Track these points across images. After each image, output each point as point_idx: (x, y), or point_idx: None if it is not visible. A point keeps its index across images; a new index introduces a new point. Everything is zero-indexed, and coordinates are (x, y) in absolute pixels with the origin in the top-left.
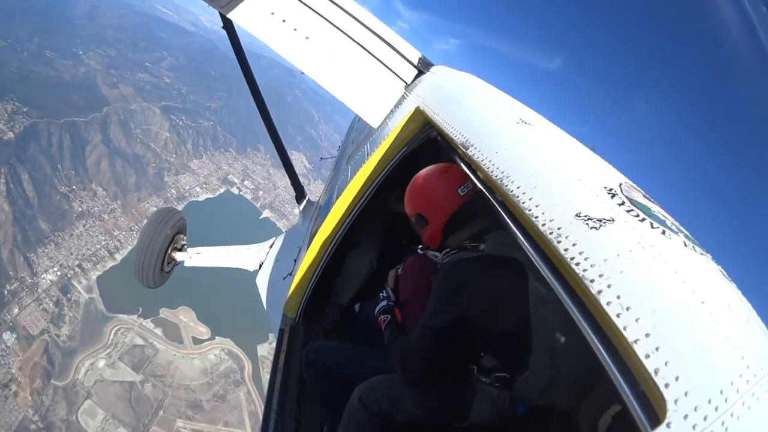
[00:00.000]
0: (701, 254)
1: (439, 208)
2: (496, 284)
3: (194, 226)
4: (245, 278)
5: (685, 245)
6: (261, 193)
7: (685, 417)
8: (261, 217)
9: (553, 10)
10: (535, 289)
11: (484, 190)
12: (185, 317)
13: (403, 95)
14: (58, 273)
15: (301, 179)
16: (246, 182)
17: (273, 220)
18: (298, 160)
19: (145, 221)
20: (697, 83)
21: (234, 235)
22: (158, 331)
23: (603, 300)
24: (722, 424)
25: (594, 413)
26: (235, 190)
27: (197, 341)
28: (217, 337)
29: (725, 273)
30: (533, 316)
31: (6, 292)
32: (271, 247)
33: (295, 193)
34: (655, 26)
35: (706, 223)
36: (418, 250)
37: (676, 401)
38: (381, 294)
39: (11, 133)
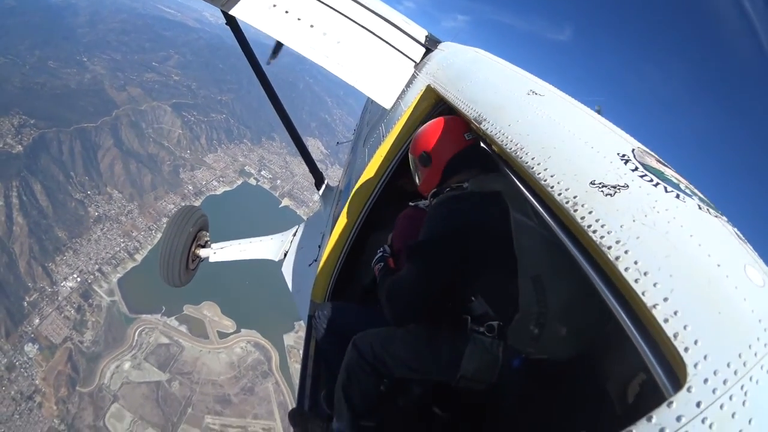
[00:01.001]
0: (716, 216)
1: (444, 146)
2: (478, 211)
3: (214, 220)
4: (267, 269)
5: (700, 208)
6: (279, 182)
7: (705, 381)
8: (281, 206)
9: None
10: (518, 219)
11: (500, 162)
12: (209, 312)
13: (413, 74)
14: (78, 279)
15: (319, 165)
16: (263, 172)
17: (293, 208)
18: (315, 146)
19: (164, 220)
20: (708, 45)
21: (255, 227)
22: (183, 328)
23: (621, 266)
24: (741, 387)
25: (623, 380)
26: (252, 181)
27: (223, 335)
28: (242, 330)
29: (741, 235)
30: (516, 246)
31: (26, 304)
32: (294, 235)
33: (313, 180)
34: None
35: (722, 186)
36: (410, 204)
37: (696, 365)
38: (379, 250)
39: (20, 146)
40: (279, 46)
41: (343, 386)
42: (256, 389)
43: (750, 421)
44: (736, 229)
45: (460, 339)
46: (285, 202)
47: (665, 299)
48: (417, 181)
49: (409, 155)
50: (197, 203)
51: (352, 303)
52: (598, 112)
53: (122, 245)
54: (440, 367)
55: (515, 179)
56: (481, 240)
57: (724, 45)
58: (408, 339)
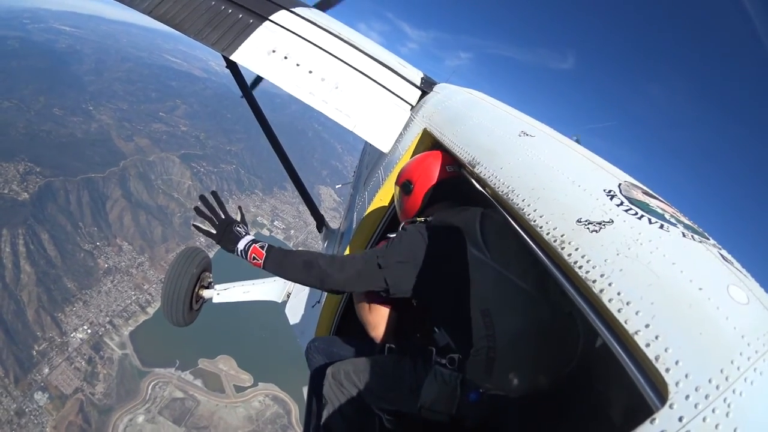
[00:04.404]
0: (700, 242)
1: (426, 176)
2: (436, 243)
3: (227, 272)
4: (283, 321)
5: (683, 235)
6: (293, 232)
7: (687, 397)
8: None
9: (557, 10)
10: (472, 253)
11: (495, 203)
12: (225, 366)
13: (410, 118)
14: (89, 331)
15: (332, 213)
16: (276, 222)
17: None
18: (327, 194)
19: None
20: (709, 57)
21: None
22: (198, 382)
23: (605, 298)
24: (725, 400)
25: (613, 403)
26: (265, 232)
27: (240, 389)
28: (260, 383)
29: (726, 256)
30: (470, 279)
31: (35, 352)
32: None
33: (316, 224)
34: (659, 11)
35: (728, 205)
36: (387, 235)
37: (677, 383)
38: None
39: (25, 193)
40: (258, 79)
41: (326, 417)
42: None
43: (735, 430)
44: (722, 251)
45: (423, 370)
46: None
47: (647, 325)
48: (398, 211)
49: (394, 186)
50: (210, 255)
51: (344, 336)
52: (577, 141)
53: (134, 298)
54: (403, 396)
55: (510, 219)
56: (438, 267)
57: (726, 57)
58: (376, 369)
